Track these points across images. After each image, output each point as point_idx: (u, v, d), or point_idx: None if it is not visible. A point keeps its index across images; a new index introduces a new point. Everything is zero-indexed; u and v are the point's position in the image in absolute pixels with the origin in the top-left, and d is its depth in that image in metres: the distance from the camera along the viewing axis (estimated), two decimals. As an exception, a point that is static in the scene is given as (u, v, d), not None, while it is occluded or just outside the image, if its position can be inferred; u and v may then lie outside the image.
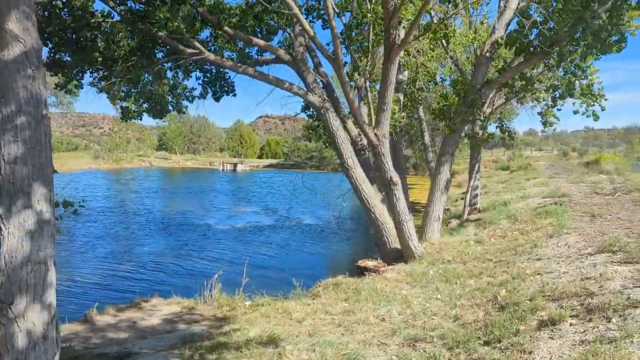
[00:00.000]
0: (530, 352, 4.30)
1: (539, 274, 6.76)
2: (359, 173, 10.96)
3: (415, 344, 5.38)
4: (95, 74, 9.88)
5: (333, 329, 6.20)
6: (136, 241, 16.44)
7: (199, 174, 51.07)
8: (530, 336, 4.64)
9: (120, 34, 9.25)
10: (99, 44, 9.24)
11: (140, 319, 7.93)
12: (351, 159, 10.80)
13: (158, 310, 8.38)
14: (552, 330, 4.72)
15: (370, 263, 8.94)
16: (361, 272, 8.81)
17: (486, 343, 4.85)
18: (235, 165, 60.62)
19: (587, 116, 11.71)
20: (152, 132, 79.41)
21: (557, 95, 11.05)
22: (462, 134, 12.24)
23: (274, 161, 72.54)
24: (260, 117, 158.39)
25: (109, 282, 11.44)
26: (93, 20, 8.81)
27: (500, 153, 53.30)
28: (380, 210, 10.89)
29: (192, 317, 8.03)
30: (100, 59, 9.28)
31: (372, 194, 11.01)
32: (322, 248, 15.99)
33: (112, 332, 7.38)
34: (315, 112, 12.12)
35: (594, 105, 11.70)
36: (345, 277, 8.80)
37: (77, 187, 33.67)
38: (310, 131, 14.06)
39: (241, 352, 5.48)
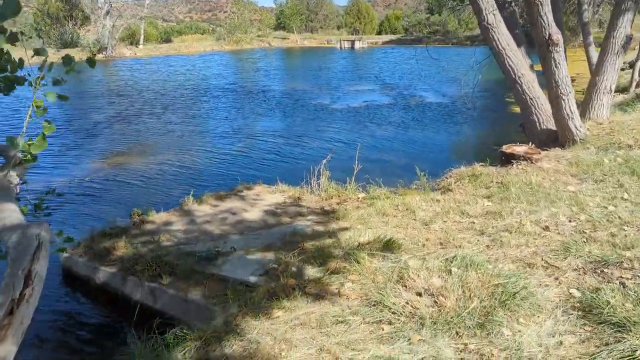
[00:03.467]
0: None
1: None
2: (502, 32, 8.66)
3: (605, 270, 3.64)
4: None
5: (473, 238, 4.58)
6: (247, 121, 15.66)
7: (316, 53, 49.37)
8: None
9: None
10: None
11: (241, 210, 6.95)
12: (492, 15, 8.45)
13: (260, 200, 7.35)
14: None
15: (518, 148, 6.94)
16: (506, 159, 6.89)
17: None
18: (353, 42, 57.70)
19: None
20: (271, 13, 77.87)
21: None
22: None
23: (393, 37, 67.93)
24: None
25: (215, 164, 10.74)
26: None
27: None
28: (530, 81, 8.69)
29: (296, 210, 6.88)
30: None
31: (520, 60, 8.74)
32: (450, 130, 13.93)
33: (207, 224, 6.48)
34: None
35: None
36: (484, 166, 6.97)
37: (200, 67, 33.96)
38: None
39: (350, 262, 4.11)
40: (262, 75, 29.13)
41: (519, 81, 8.72)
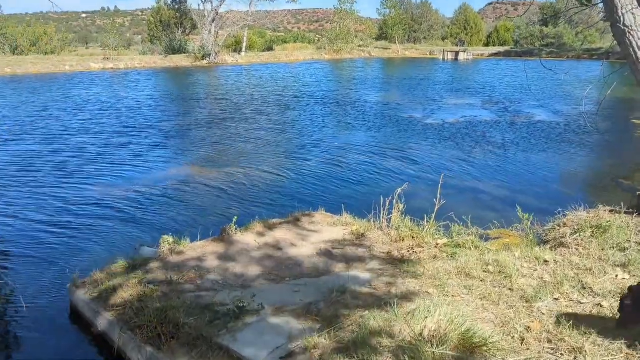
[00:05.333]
0: None
1: None
2: None
3: None
4: None
5: (602, 332, 2.98)
6: (330, 133, 14.45)
7: (418, 64, 47.41)
8: None
9: None
10: None
11: (289, 245, 5.71)
12: (631, 14, 6.48)
13: (316, 233, 6.06)
14: None
15: (668, 194, 5.04)
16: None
17: None
18: (457, 53, 54.91)
19: None
20: (373, 23, 76.97)
21: None
22: None
23: (501, 49, 63.98)
24: (490, 4, 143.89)
25: (282, 181, 9.59)
26: None
27: None
28: None
29: (356, 252, 5.49)
30: None
31: None
32: (563, 155, 11.72)
33: (244, 261, 5.30)
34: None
35: None
36: (614, 213, 5.15)
37: (297, 75, 33.64)
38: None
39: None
40: (357, 85, 27.97)
41: None
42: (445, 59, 54.85)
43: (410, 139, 13.55)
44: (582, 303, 3.56)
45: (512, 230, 6.40)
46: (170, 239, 5.71)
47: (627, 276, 3.81)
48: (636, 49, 6.90)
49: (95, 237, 6.88)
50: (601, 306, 3.50)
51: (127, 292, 4.64)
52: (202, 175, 10.03)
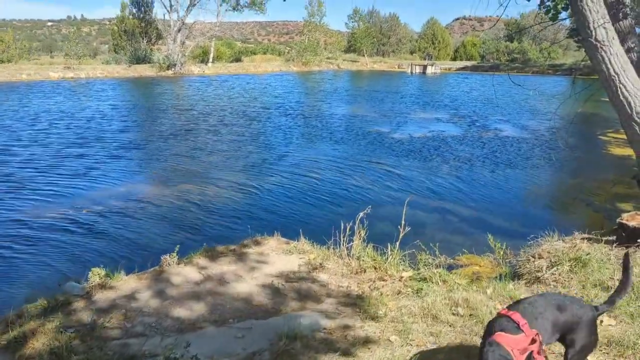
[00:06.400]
0: None
1: None
2: (616, 52, 6.47)
3: None
4: None
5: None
6: (292, 147, 13.86)
7: (385, 77, 47.45)
8: None
9: None
10: None
11: (235, 278, 5.07)
12: (603, 29, 6.30)
13: (266, 264, 5.44)
14: None
15: (651, 223, 4.62)
16: (630, 236, 4.59)
17: None
18: (424, 67, 55.36)
19: None
20: (342, 36, 77.15)
21: None
22: None
23: (468, 63, 64.96)
24: (457, 19, 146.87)
25: (236, 202, 8.91)
26: None
27: None
28: None
29: (311, 286, 4.91)
30: None
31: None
32: (531, 172, 11.40)
33: (181, 299, 4.65)
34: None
35: None
36: (592, 242, 4.72)
37: (263, 87, 33.01)
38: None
39: None
40: (325, 98, 27.53)
41: (636, 118, 6.43)
42: (413, 72, 55.22)
43: (376, 154, 13.07)
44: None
45: (482, 258, 5.92)
46: (102, 272, 4.99)
47: (613, 322, 3.33)
48: (608, 64, 6.59)
49: (16, 268, 6.06)
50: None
51: (40, 340, 3.91)
52: (153, 193, 9.28)
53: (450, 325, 3.64)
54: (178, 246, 5.35)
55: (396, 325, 3.79)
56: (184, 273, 5.14)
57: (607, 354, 3.00)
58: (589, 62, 6.46)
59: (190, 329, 4.15)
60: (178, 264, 5.29)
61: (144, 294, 4.76)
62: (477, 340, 3.39)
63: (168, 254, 5.32)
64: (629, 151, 13.10)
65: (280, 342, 3.77)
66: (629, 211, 8.29)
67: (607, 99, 6.45)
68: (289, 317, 4.30)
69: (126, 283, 4.98)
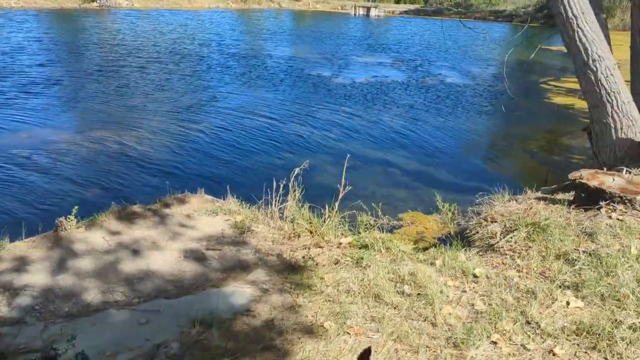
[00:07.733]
0: None
1: None
2: None
3: None
4: None
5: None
6: (225, 91, 12.75)
7: (328, 18, 45.80)
8: None
9: None
10: None
11: (150, 246, 4.31)
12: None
13: (189, 227, 4.69)
14: None
15: (609, 180, 4.21)
16: (589, 197, 4.17)
17: None
18: (368, 9, 53.98)
19: None
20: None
21: None
22: None
23: (412, 7, 63.94)
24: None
25: (160, 151, 7.95)
26: None
27: None
28: (609, 67, 6.46)
29: (237, 254, 4.23)
30: None
31: (597, 36, 6.26)
32: (475, 120, 11.04)
33: (82, 272, 3.87)
34: None
35: None
36: (548, 204, 4.29)
37: (197, 24, 30.78)
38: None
39: None
40: (264, 38, 26.01)
41: (592, 66, 6.12)
42: (357, 14, 53.77)
43: (316, 100, 12.25)
44: (528, 349, 2.58)
45: (428, 217, 5.45)
46: (-19, 239, 4.09)
47: (580, 303, 2.89)
48: (566, 5, 6.04)
49: None
50: (554, 354, 2.54)
51: None
52: (61, 138, 8.13)
53: (395, 308, 3.09)
54: (77, 207, 4.45)
55: (332, 307, 3.21)
56: (87, 238, 4.30)
57: (578, 345, 2.55)
58: (528, 8, 5.94)
59: (83, 313, 3.41)
60: (80, 227, 4.44)
61: (35, 264, 3.92)
62: (427, 329, 2.88)
63: (66, 216, 4.44)
64: (571, 100, 13.03)
65: (192, 330, 3.12)
66: (574, 163, 8.12)
67: (549, 47, 5.93)
68: (206, 294, 3.63)
69: (13, 251, 4.10)
